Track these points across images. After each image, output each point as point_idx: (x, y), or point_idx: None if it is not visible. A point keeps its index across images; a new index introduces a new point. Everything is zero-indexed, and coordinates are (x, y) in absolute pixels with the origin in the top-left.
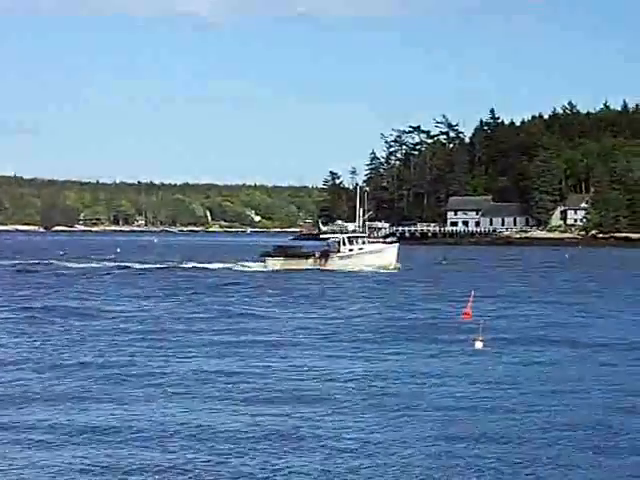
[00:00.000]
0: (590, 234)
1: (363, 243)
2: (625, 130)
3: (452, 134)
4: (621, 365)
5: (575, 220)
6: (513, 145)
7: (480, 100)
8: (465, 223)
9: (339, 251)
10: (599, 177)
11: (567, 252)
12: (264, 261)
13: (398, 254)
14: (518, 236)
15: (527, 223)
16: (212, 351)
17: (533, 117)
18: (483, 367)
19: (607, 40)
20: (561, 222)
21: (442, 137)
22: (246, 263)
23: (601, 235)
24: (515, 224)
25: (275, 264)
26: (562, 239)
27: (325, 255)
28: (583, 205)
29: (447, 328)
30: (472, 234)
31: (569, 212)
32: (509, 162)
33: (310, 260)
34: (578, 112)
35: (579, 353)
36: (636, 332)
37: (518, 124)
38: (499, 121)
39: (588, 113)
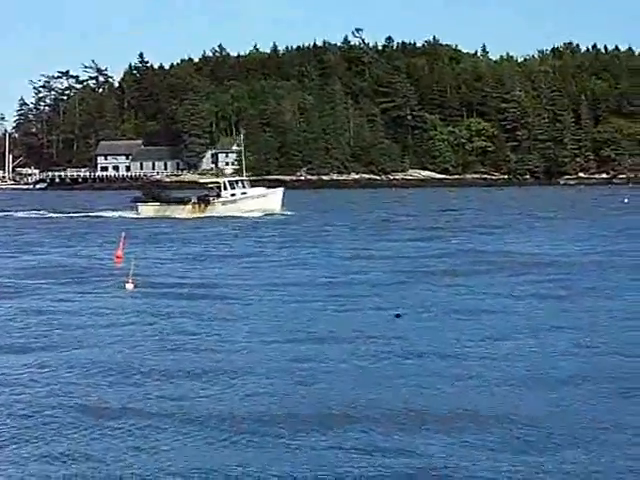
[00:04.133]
0: None
1: (244, 187)
2: (275, 72)
3: (102, 79)
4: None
5: (227, 163)
6: (163, 89)
7: (128, 44)
8: (116, 168)
9: (219, 196)
10: (249, 120)
11: None
12: (136, 208)
13: (283, 198)
14: (169, 180)
15: (178, 167)
16: None
17: (182, 60)
18: (130, 307)
19: None
20: (212, 165)
21: (91, 82)
22: (115, 211)
23: (253, 177)
24: (166, 168)
25: (148, 210)
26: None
27: (205, 200)
28: (234, 148)
29: (98, 271)
30: (123, 179)
31: (220, 155)
32: (159, 106)
33: (188, 206)
34: (228, 55)
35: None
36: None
37: (168, 67)
38: (148, 65)
39: (238, 55)
